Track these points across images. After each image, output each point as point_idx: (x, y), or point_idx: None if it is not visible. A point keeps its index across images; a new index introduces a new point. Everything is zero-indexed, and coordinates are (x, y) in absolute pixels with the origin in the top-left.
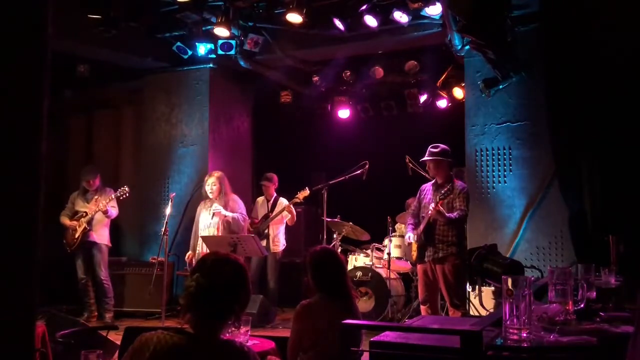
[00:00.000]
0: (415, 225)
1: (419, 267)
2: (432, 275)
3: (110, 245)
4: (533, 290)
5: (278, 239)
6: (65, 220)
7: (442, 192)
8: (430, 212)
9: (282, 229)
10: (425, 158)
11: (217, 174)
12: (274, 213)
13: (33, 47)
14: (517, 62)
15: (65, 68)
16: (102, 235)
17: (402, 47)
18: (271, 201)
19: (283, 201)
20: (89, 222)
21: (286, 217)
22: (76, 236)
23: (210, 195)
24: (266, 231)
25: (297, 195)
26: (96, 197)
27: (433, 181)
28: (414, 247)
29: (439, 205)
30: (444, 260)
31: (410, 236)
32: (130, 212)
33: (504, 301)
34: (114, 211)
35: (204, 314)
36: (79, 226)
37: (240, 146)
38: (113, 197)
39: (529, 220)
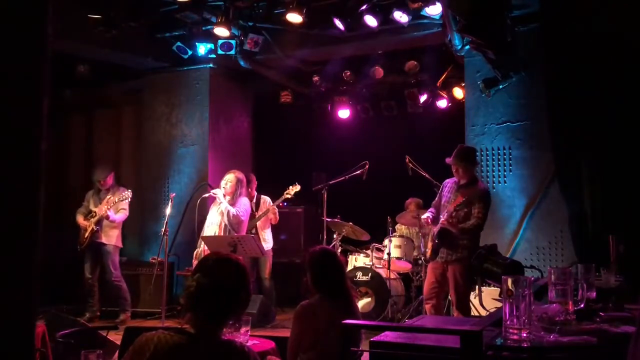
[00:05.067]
0: (434, 215)
1: (430, 265)
2: (442, 275)
3: (120, 246)
4: (533, 290)
5: (266, 238)
6: (79, 219)
7: (461, 202)
8: (441, 221)
9: (268, 227)
10: (454, 161)
11: (238, 173)
12: (260, 212)
13: (33, 47)
14: (517, 62)
15: (65, 68)
16: (110, 237)
17: (402, 47)
18: (253, 200)
19: (266, 199)
20: (97, 223)
21: (271, 217)
22: (85, 236)
23: (222, 190)
24: (253, 230)
25: (287, 191)
26: (108, 196)
27: (455, 179)
28: (429, 245)
29: (445, 222)
30: (456, 262)
31: (429, 216)
32: (130, 212)
33: (504, 301)
34: (118, 215)
35: (205, 314)
36: (88, 226)
37: (240, 146)
38: (117, 200)
39: (529, 220)
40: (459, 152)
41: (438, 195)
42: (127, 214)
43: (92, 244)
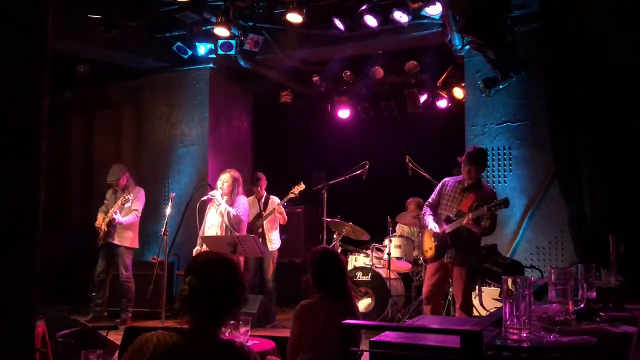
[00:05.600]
0: (434, 217)
1: (430, 265)
2: (444, 275)
3: (136, 247)
4: (533, 290)
5: (272, 238)
6: (98, 218)
7: (487, 206)
8: (465, 221)
9: (276, 227)
10: (470, 162)
11: (233, 172)
12: (267, 212)
13: (33, 47)
14: (517, 62)
15: (65, 68)
16: (124, 238)
17: (402, 47)
18: (262, 200)
19: (275, 199)
20: (109, 224)
21: (278, 216)
22: (100, 235)
23: (220, 190)
24: (260, 230)
25: (292, 190)
26: (123, 197)
27: (458, 178)
28: (431, 245)
29: (470, 221)
30: (463, 263)
31: (434, 226)
32: None
33: (504, 301)
34: (126, 217)
35: (202, 315)
36: (103, 227)
37: (240, 146)
38: (121, 203)
39: (529, 220)
40: (474, 154)
41: (436, 195)
42: (139, 215)
43: (107, 244)
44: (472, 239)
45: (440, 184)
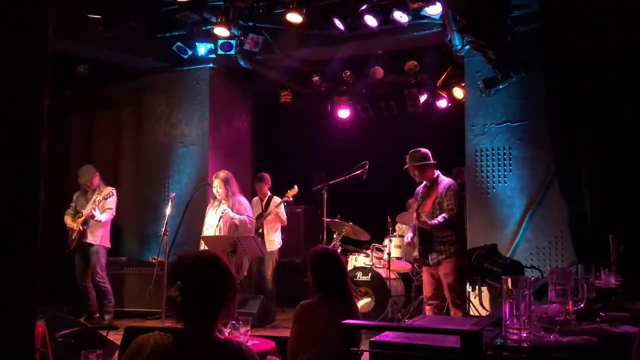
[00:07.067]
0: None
1: (425, 268)
2: (438, 276)
3: (109, 246)
4: (533, 290)
5: (272, 239)
6: (67, 220)
7: (436, 201)
8: (413, 221)
9: (277, 228)
10: (410, 165)
11: (221, 174)
12: (266, 212)
13: (33, 47)
14: (517, 62)
15: (65, 68)
16: (98, 237)
17: (402, 47)
18: (265, 200)
19: (276, 200)
20: (84, 224)
21: (276, 217)
22: (73, 237)
23: (218, 197)
24: (260, 230)
25: (286, 195)
26: (95, 197)
27: (424, 183)
28: (418, 248)
29: (416, 221)
30: (447, 260)
31: (409, 236)
32: (130, 212)
33: (504, 301)
34: (104, 215)
35: (197, 316)
36: (76, 227)
37: (240, 146)
38: (101, 199)
39: (529, 220)
40: (411, 157)
41: (415, 203)
42: (114, 213)
43: (81, 245)
44: (439, 236)
45: (414, 194)
